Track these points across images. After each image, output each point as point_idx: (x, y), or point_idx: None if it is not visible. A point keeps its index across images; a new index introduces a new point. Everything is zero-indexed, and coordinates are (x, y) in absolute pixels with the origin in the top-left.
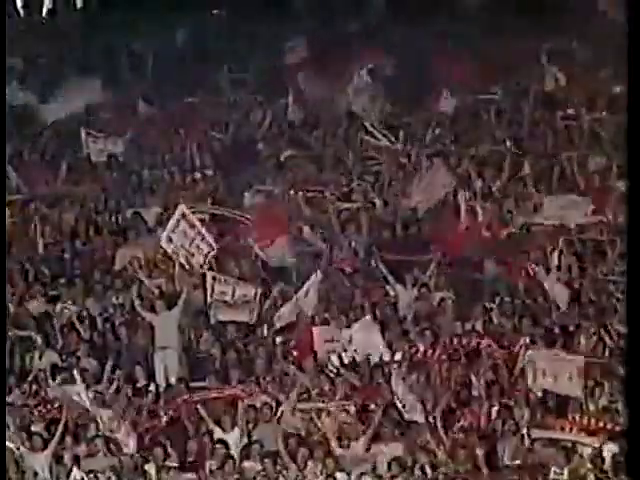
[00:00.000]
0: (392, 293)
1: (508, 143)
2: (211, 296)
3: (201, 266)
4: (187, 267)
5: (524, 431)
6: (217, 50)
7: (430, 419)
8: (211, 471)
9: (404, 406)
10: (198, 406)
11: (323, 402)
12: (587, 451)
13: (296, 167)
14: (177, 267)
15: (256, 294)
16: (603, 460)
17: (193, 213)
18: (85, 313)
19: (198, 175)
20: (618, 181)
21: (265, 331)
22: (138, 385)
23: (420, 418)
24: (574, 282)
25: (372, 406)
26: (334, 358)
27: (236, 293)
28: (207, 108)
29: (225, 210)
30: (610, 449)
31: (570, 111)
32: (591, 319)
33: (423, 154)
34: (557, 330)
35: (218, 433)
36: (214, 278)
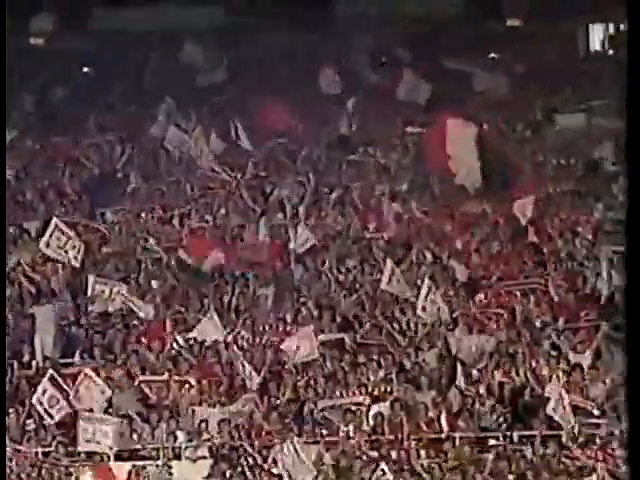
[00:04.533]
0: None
1: (310, 177)
2: (84, 292)
3: (72, 267)
4: (62, 267)
5: (320, 399)
6: (87, 100)
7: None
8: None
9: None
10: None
11: (169, 376)
12: (365, 412)
13: (146, 192)
14: (58, 268)
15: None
16: (380, 418)
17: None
18: None
19: (71, 196)
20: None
21: (121, 319)
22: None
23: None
24: (365, 282)
25: (207, 379)
26: (180, 341)
27: (108, 290)
28: (78, 145)
29: (90, 222)
30: (379, 410)
31: (360, 149)
32: (369, 311)
33: (245, 184)
34: (339, 319)
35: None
36: (95, 281)
